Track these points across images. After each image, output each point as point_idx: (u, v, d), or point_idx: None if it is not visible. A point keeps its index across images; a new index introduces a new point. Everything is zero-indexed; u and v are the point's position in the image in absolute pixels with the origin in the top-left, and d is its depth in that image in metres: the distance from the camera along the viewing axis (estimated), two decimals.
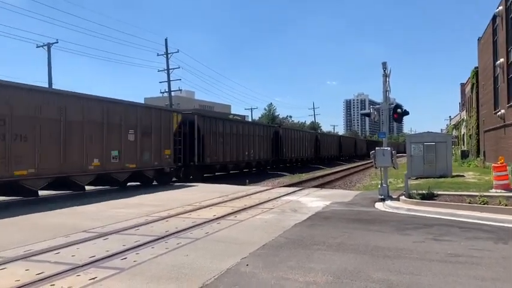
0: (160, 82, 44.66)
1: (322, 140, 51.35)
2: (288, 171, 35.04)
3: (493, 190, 13.56)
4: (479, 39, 33.99)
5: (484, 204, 10.55)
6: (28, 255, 6.57)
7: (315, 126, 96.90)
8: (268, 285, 5.11)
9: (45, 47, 35.39)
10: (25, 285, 5.10)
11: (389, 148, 13.45)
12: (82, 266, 5.94)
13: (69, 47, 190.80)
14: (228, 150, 27.09)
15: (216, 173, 26.67)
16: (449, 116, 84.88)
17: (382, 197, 13.03)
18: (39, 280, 5.28)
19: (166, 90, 43.63)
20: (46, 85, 33.03)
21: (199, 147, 23.46)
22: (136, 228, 8.87)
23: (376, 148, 13.65)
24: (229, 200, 13.56)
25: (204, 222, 9.40)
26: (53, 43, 35.80)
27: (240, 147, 28.78)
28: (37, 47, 35.85)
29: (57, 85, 61.38)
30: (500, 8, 24.63)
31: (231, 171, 28.63)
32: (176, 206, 12.04)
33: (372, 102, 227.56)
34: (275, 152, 35.42)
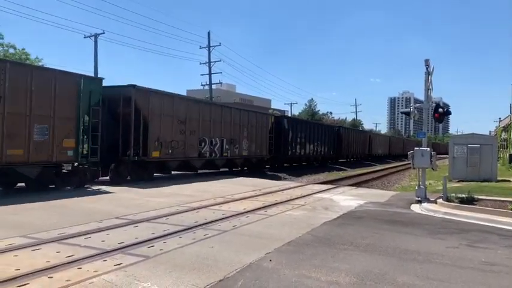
0: (201, 75, 45.13)
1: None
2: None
3: None
4: None
5: None
6: (61, 238, 6.84)
7: (356, 123, 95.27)
8: (289, 283, 5.06)
9: (92, 38, 36.57)
10: (54, 266, 5.30)
11: (428, 148, 13.00)
12: (110, 251, 6.11)
13: (114, 38, 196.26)
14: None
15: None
16: (499, 118, 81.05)
17: (419, 198, 12.62)
18: (67, 263, 5.47)
19: (207, 82, 44.14)
20: (92, 74, 34.15)
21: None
22: (167, 217, 9.04)
23: (415, 148, 13.23)
24: (262, 195, 13.57)
25: (233, 215, 9.45)
26: (100, 34, 36.97)
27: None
28: (84, 38, 37.18)
29: (102, 75, 63.43)
30: None
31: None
32: (209, 198, 12.19)
33: (417, 101, 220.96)
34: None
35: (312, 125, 36.88)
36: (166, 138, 17.50)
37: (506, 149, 52.91)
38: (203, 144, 20.06)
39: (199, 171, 21.19)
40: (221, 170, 22.70)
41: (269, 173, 26.99)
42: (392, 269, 5.69)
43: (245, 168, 25.32)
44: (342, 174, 30.37)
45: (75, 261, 5.58)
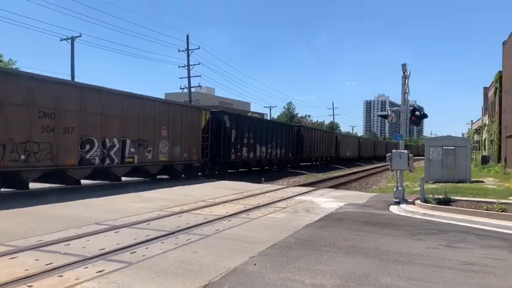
0: (180, 78, 44.94)
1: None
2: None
3: None
4: (504, 43, 33.23)
5: (502, 211, 10.29)
6: (39, 245, 6.67)
7: (333, 126, 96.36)
8: (274, 286, 5.06)
9: (69, 41, 35.93)
10: (33, 275, 5.16)
11: (406, 151, 13.23)
12: (91, 258, 6.00)
13: (91, 41, 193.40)
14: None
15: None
16: (471, 120, 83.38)
17: (398, 200, 12.83)
18: (47, 271, 5.34)
19: (187, 86, 43.89)
20: (69, 78, 33.59)
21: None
22: (148, 222, 8.94)
23: (393, 150, 13.44)
24: (243, 198, 13.56)
25: (216, 219, 9.40)
26: (77, 37, 36.36)
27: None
28: (61, 40, 36.47)
29: (79, 79, 62.46)
30: None
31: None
32: (190, 202, 12.10)
33: (392, 104, 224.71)
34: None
35: (263, 123, 32.18)
36: (15, 139, 12.16)
37: (479, 150, 54.38)
38: (88, 146, 14.49)
39: (84, 183, 15.46)
40: (123, 180, 16.99)
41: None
42: (375, 271, 5.77)
43: (168, 176, 19.86)
44: (321, 176, 30.38)
45: (55, 268, 5.46)
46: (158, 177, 19.22)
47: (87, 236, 7.46)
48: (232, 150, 25.24)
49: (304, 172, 33.34)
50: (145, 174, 18.24)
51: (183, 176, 20.19)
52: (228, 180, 20.89)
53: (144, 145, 17.26)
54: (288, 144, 34.09)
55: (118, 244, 6.85)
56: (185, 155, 19.89)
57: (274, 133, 31.63)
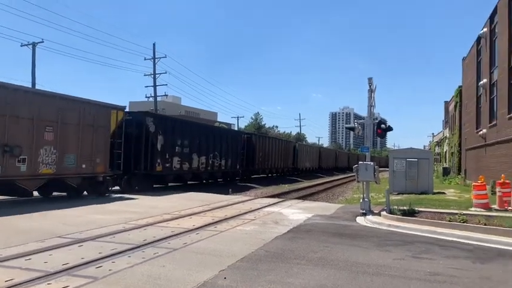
0: (146, 86, 44.36)
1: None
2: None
3: (473, 209, 13.71)
4: (463, 59, 34.65)
5: (463, 222, 10.62)
6: None
7: (300, 137, 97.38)
8: None
9: (30, 46, 34.84)
10: None
11: (372, 163, 13.49)
12: (54, 273, 5.76)
13: (54, 47, 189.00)
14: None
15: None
16: (433, 133, 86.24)
17: (364, 211, 13.04)
18: (8, 287, 5.08)
19: (152, 95, 43.37)
20: (29, 85, 32.50)
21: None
22: (113, 235, 8.68)
23: (360, 162, 13.69)
24: (210, 210, 13.42)
25: (183, 232, 9.25)
26: (38, 42, 35.27)
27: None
28: (21, 46, 35.29)
29: (40, 85, 60.67)
30: (485, 29, 25.16)
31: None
32: (156, 214, 11.88)
33: (357, 116, 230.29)
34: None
35: (204, 129, 27.35)
36: None
37: (440, 162, 56.20)
38: None
39: None
40: None
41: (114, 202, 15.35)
42: (345, 283, 5.80)
43: (66, 194, 16.04)
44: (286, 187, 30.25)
45: (15, 285, 5.20)
46: (56, 194, 16.00)
47: (49, 250, 7.16)
48: (159, 160, 20.80)
49: (254, 186, 30.31)
50: (20, 191, 13.67)
51: (85, 192, 16.30)
52: (150, 197, 17.00)
53: (15, 152, 12.83)
54: (236, 154, 30.26)
55: (83, 258, 6.60)
56: (83, 166, 15.41)
57: (218, 141, 27.45)
